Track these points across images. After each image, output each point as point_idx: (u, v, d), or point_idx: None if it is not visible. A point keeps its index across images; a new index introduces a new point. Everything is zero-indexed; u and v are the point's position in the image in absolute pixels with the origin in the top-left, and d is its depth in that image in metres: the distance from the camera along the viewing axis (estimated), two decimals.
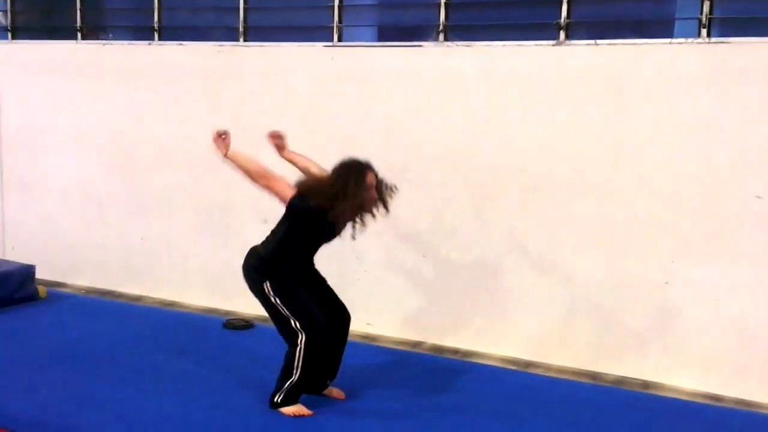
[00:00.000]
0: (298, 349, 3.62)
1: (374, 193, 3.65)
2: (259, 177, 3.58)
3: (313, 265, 3.86)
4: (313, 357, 3.65)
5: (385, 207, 3.73)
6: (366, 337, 5.08)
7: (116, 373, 4.22)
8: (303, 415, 3.67)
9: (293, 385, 3.68)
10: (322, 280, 3.88)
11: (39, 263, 5.70)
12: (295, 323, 3.62)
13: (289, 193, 3.56)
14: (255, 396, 3.86)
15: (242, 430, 3.60)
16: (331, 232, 3.70)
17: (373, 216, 3.73)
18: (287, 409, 3.69)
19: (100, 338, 4.81)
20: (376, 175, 3.67)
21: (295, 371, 3.65)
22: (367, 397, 3.99)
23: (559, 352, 4.69)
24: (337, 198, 3.52)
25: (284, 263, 3.70)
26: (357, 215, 3.67)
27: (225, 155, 3.63)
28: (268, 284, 3.65)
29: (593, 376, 4.54)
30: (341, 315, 3.85)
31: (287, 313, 3.63)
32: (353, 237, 3.71)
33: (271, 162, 3.75)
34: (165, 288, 5.87)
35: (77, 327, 5.06)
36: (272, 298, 3.65)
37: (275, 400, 3.71)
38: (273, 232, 3.77)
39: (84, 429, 3.56)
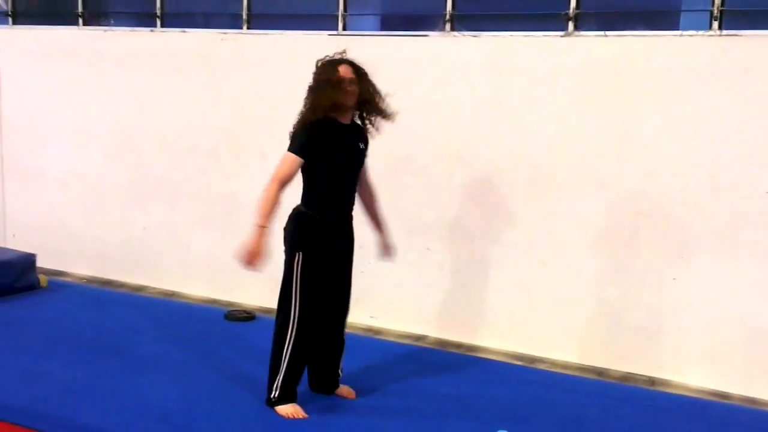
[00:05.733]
0: (288, 333, 3.58)
1: (347, 86, 3.54)
2: (280, 185, 3.55)
3: (346, 219, 3.73)
4: (301, 340, 3.59)
5: (380, 112, 3.62)
6: (369, 330, 5.04)
7: (117, 364, 4.19)
8: (298, 417, 3.59)
9: (284, 378, 3.62)
10: (347, 261, 3.78)
11: (40, 252, 5.64)
12: (295, 300, 3.57)
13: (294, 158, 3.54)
14: (255, 388, 3.82)
15: (242, 423, 3.56)
16: (335, 144, 3.56)
17: (376, 111, 3.61)
18: (283, 409, 3.61)
19: (102, 328, 4.77)
20: (356, 70, 3.59)
21: (283, 360, 3.59)
22: (368, 392, 3.93)
23: (565, 348, 4.65)
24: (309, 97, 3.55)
25: (317, 211, 3.61)
26: (342, 111, 3.56)
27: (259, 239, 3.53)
28: (301, 256, 3.59)
29: (599, 372, 4.50)
30: (340, 307, 3.77)
31: (296, 288, 3.57)
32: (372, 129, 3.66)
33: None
34: (166, 278, 5.83)
35: (78, 317, 5.02)
36: (295, 269, 3.58)
37: (271, 397, 3.65)
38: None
39: (83, 420, 3.52)
